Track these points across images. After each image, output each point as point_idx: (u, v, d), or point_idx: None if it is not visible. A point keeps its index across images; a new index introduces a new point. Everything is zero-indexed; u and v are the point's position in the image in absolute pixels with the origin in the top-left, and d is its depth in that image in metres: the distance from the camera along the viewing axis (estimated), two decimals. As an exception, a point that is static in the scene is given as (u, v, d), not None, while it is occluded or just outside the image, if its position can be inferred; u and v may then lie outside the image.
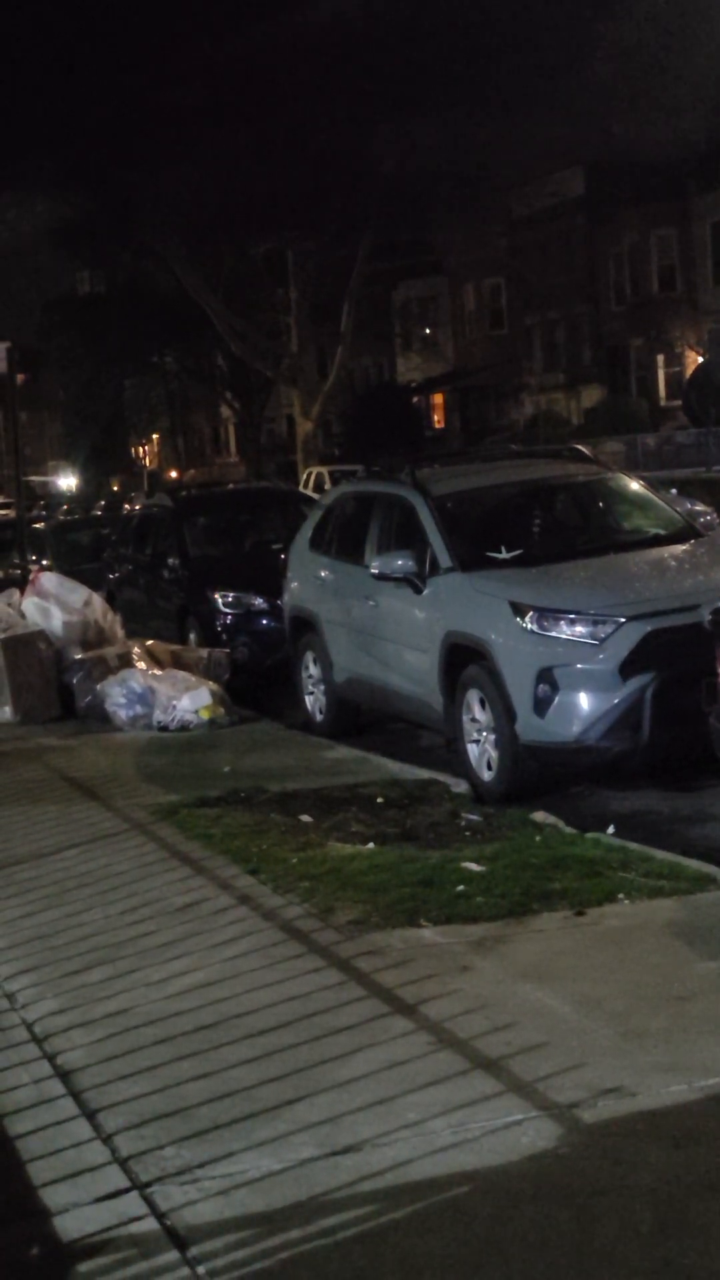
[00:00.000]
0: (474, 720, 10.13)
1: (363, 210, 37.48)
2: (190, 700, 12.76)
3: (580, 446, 14.17)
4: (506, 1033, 5.53)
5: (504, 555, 10.62)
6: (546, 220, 61.42)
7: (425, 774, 10.22)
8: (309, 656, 12.97)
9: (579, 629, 9.52)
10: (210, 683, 13.19)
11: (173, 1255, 4.19)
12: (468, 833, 8.56)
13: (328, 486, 29.83)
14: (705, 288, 57.81)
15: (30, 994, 6.43)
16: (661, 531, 11.40)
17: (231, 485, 26.16)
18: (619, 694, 9.35)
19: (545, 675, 9.48)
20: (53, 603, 14.54)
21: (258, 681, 14.77)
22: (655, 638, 9.38)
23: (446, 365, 70.15)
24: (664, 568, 10.57)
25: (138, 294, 56.97)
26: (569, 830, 8.50)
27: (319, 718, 12.85)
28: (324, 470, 40.88)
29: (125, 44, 31.99)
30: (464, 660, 10.19)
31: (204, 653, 14.34)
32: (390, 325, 69.72)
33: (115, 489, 75.20)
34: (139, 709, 12.88)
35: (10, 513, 29.83)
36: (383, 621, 11.46)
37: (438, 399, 72.19)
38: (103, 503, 54.65)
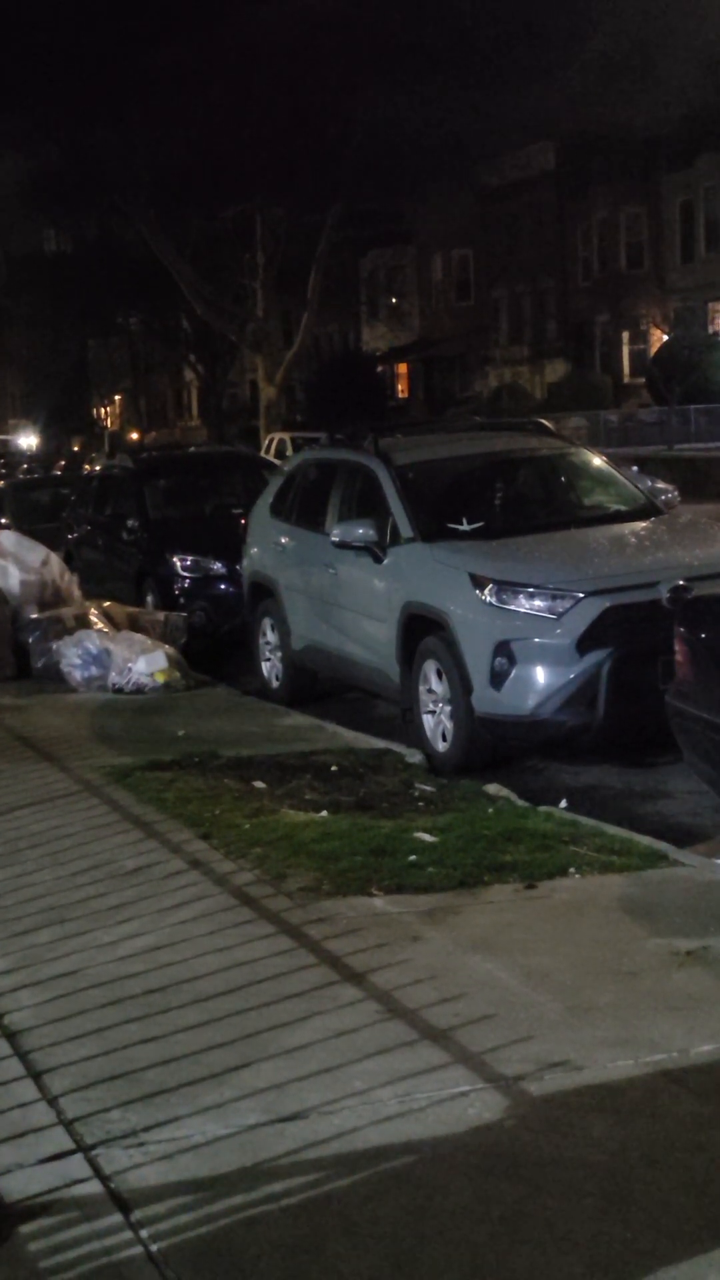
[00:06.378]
0: (430, 691, 10.14)
1: (334, 177, 37.33)
2: (146, 663, 12.70)
3: (544, 421, 14.14)
4: (455, 1004, 5.54)
5: (465, 527, 10.60)
6: (517, 193, 61.37)
7: (380, 744, 10.22)
8: (267, 623, 12.94)
9: (538, 603, 9.52)
10: (167, 646, 13.15)
11: (116, 1218, 4.19)
12: (421, 803, 8.56)
13: (289, 453, 29.75)
14: (673, 266, 57.87)
15: (-22, 953, 6.40)
16: (623, 508, 11.41)
17: (193, 448, 26.01)
18: (575, 669, 9.35)
19: (503, 648, 9.48)
20: (10, 561, 14.46)
21: (214, 646, 14.75)
22: (613, 614, 9.40)
23: (412, 335, 70.03)
24: (624, 544, 10.59)
25: (104, 254, 56.54)
26: (522, 803, 8.52)
27: (275, 684, 12.83)
28: (286, 436, 40.76)
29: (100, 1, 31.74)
30: (422, 631, 10.19)
31: (161, 616, 14.29)
32: (357, 293, 69.54)
33: (76, 449, 74.82)
34: (94, 670, 12.82)
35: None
36: (342, 590, 11.44)
37: (402, 369, 72.11)
38: (63, 462, 54.41)
